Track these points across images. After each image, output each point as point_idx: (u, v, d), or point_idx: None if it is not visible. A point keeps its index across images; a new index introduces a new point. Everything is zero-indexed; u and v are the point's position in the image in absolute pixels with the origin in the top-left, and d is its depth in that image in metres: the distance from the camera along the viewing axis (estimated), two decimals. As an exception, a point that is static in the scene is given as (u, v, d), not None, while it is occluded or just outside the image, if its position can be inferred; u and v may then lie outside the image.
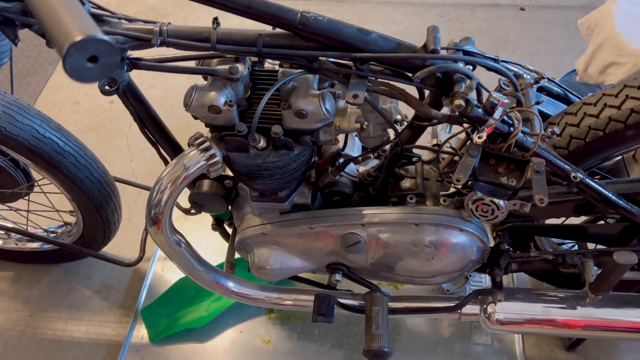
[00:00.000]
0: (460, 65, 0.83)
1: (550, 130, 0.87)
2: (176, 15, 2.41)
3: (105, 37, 0.48)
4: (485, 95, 0.85)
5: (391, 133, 0.99)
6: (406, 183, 1.12)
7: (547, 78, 1.02)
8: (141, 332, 1.45)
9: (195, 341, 1.42)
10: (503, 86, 0.95)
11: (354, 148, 1.14)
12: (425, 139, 1.12)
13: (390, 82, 0.87)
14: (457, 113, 0.84)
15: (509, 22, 2.32)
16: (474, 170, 0.88)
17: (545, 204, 0.82)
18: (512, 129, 0.85)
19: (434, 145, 1.11)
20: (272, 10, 0.80)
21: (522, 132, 0.86)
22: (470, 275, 1.37)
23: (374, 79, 0.87)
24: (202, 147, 0.91)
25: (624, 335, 1.04)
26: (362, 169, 1.14)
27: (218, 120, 0.91)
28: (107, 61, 0.49)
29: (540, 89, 1.02)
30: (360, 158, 1.09)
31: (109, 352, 1.42)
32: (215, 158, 0.92)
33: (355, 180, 1.10)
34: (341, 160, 1.07)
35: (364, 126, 0.96)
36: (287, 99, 0.89)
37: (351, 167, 1.11)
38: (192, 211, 1.14)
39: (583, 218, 1.27)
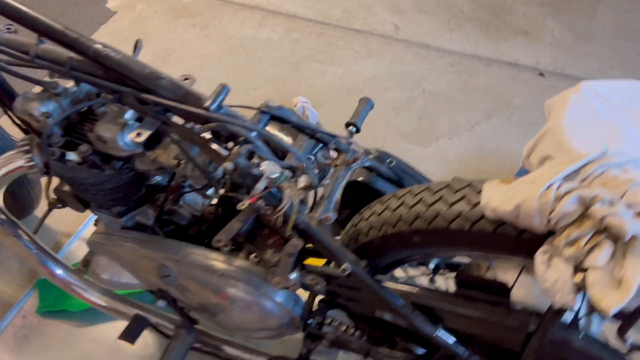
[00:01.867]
0: (240, 128, 0.81)
1: (327, 214, 0.82)
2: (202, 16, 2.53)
3: None
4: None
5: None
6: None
7: (387, 159, 0.96)
8: (36, 300, 1.55)
9: (73, 324, 1.50)
10: (319, 157, 0.92)
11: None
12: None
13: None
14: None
15: (521, 86, 2.16)
16: (244, 234, 0.85)
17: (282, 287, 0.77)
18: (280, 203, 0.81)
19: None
20: (70, 36, 0.82)
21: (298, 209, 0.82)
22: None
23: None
24: (22, 149, 0.97)
25: None
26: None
27: (44, 129, 0.95)
28: None
29: (371, 169, 0.95)
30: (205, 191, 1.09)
31: (0, 311, 1.54)
32: (31, 162, 0.97)
33: (197, 214, 1.10)
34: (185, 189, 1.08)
35: (181, 164, 0.96)
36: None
37: (197, 200, 1.11)
38: (58, 205, 1.20)
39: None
